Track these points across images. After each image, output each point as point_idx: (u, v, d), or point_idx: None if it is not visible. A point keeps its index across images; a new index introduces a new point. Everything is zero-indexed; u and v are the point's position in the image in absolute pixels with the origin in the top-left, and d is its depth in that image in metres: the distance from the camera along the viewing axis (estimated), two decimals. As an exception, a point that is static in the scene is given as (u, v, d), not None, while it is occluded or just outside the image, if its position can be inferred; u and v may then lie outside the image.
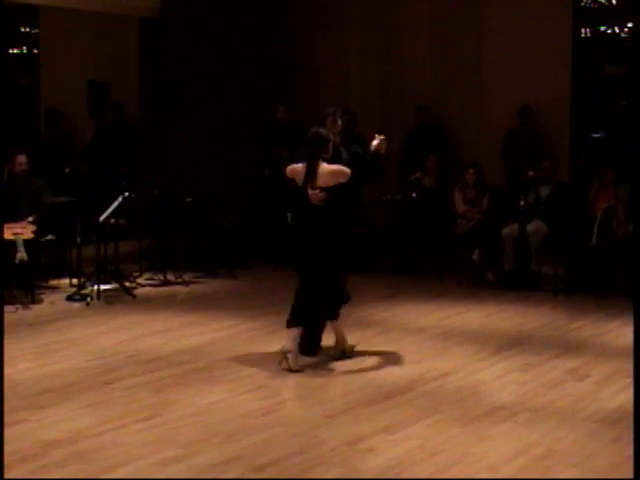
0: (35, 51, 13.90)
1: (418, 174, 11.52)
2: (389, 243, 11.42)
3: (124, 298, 9.55)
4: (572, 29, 11.48)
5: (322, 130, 7.09)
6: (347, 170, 6.97)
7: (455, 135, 12.04)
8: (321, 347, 7.38)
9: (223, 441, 5.43)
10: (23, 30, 14.11)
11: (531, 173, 10.60)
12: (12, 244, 9.02)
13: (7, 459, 4.67)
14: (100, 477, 4.88)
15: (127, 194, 9.60)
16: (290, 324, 7.03)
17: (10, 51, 14.11)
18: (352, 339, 7.48)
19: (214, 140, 12.08)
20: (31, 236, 9.30)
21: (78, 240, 9.80)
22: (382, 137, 7.28)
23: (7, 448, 4.77)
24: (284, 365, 6.93)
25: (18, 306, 8.96)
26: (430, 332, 8.28)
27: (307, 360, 7.14)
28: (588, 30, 11.67)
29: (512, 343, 7.90)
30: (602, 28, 11.69)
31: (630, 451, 4.86)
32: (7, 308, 8.45)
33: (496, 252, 10.58)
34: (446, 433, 5.62)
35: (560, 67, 11.43)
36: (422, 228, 11.07)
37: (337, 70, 12.75)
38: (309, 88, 12.67)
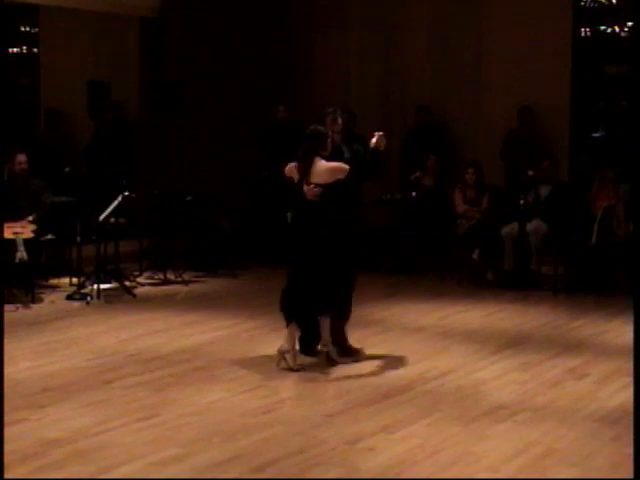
0: (35, 51, 13.89)
1: (418, 174, 11.52)
2: (389, 243, 11.41)
3: (124, 297, 9.55)
4: (572, 29, 11.49)
5: (320, 127, 7.08)
6: (345, 166, 6.95)
7: (455, 135, 12.04)
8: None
9: (223, 440, 5.43)
10: (23, 30, 14.09)
11: (531, 173, 10.60)
12: (12, 243, 9.02)
13: (7, 458, 4.67)
14: (100, 476, 4.87)
15: (127, 193, 9.60)
16: (287, 321, 7.00)
17: (10, 51, 14.10)
18: (352, 338, 7.45)
19: (214, 140, 12.07)
20: (31, 235, 9.30)
21: (78, 239, 9.82)
22: (381, 133, 7.26)
23: (7, 447, 4.77)
24: (282, 365, 6.92)
25: (18, 305, 8.96)
26: (430, 331, 8.28)
27: (306, 359, 7.14)
28: (588, 30, 11.66)
29: (512, 342, 7.91)
30: (602, 28, 11.68)
31: (630, 450, 4.86)
32: (7, 307, 8.45)
33: (496, 252, 10.58)
34: (446, 432, 5.61)
35: (560, 67, 11.43)
36: (422, 228, 11.07)
37: (337, 70, 12.74)
38: (309, 88, 12.66)
